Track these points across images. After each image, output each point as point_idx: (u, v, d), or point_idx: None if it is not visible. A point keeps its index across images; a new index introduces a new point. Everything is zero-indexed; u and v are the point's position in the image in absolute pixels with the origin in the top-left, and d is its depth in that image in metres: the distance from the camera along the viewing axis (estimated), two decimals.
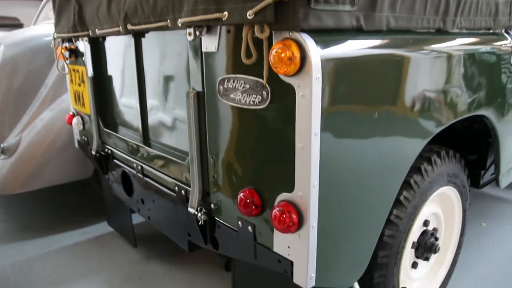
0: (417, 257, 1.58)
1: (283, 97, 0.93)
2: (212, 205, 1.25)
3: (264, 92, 0.97)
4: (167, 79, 1.45)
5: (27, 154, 2.31)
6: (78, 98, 2.07)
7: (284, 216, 0.96)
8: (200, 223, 1.25)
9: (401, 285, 1.53)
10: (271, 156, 1.00)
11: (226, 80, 1.08)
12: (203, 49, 1.13)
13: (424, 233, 1.57)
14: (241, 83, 1.03)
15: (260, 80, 0.97)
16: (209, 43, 1.11)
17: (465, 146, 1.87)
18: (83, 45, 1.89)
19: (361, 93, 1.00)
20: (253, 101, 1.00)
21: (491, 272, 1.98)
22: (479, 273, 1.98)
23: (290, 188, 0.97)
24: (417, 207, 1.41)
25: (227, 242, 1.24)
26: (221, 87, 1.09)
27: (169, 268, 2.08)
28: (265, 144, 1.01)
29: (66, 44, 2.01)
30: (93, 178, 2.54)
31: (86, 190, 3.12)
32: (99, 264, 2.14)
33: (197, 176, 1.24)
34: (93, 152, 1.94)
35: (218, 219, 1.24)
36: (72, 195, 3.08)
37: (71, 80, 2.12)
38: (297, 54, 0.87)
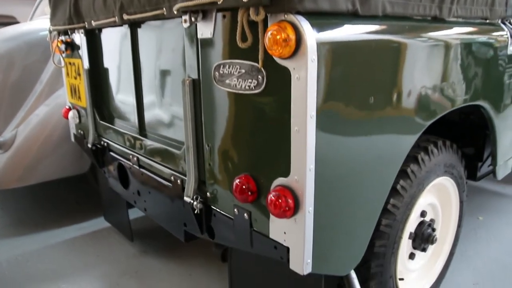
0: (414, 248, 1.58)
1: (279, 80, 0.93)
2: (208, 194, 1.24)
3: (259, 76, 0.97)
4: (163, 69, 1.44)
5: (23, 149, 2.30)
6: (74, 91, 2.06)
7: (280, 200, 0.95)
8: (196, 211, 1.25)
9: (398, 276, 1.53)
10: (267, 140, 1.00)
11: (221, 66, 1.07)
12: (199, 36, 1.13)
13: (421, 223, 1.56)
14: (237, 68, 1.02)
15: (256, 64, 0.96)
16: (205, 29, 1.10)
17: (462, 139, 1.87)
18: (79, 38, 1.88)
19: (357, 77, 0.99)
20: (249, 86, 1.00)
21: (488, 265, 1.98)
22: (476, 265, 1.98)
23: (286, 172, 0.96)
24: (414, 196, 1.41)
25: (223, 230, 1.23)
26: (216, 73, 1.09)
27: (166, 262, 2.07)
28: (261, 128, 1.00)
29: (62, 37, 2.00)
30: (89, 173, 2.53)
31: (82, 185, 3.10)
32: (95, 258, 2.13)
33: (193, 164, 1.23)
34: (89, 145, 1.93)
35: (214, 208, 1.24)
36: (69, 190, 3.07)
37: (67, 74, 2.11)
38: (292, 36, 0.86)
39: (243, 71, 1.01)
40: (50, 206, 2.81)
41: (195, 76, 1.19)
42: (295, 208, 0.95)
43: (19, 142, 2.31)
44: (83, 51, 1.86)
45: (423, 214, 1.57)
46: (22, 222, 2.59)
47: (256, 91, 0.98)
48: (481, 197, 2.76)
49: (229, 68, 1.05)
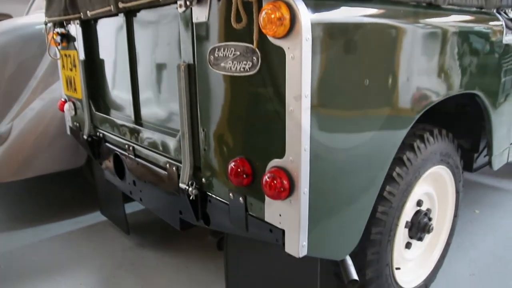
0: (410, 237, 1.58)
1: (273, 60, 0.93)
2: (203, 180, 1.24)
3: (254, 58, 0.96)
4: (159, 58, 1.44)
5: (19, 142, 2.29)
6: (69, 83, 2.05)
7: (275, 182, 0.95)
8: (191, 198, 1.24)
9: (395, 265, 1.53)
10: (262, 121, 0.99)
11: (216, 49, 1.07)
12: (194, 20, 1.12)
13: (417, 213, 1.56)
14: (232, 51, 1.02)
15: (250, 45, 0.96)
16: (200, 13, 1.10)
17: (459, 130, 1.88)
18: (75, 29, 1.87)
19: (352, 59, 0.99)
20: (244, 68, 1.00)
21: (484, 256, 1.99)
22: (472, 257, 1.98)
23: (281, 153, 0.96)
24: (410, 184, 1.41)
25: (219, 216, 1.23)
26: (211, 56, 1.09)
27: (163, 255, 2.06)
28: (256, 110, 1.00)
29: (58, 29, 2.00)
30: (85, 167, 2.52)
31: (78, 180, 3.09)
32: (91, 251, 2.12)
33: (188, 150, 1.23)
34: (85, 137, 1.92)
35: (209, 194, 1.23)
36: (64, 185, 3.06)
37: (63, 66, 2.10)
38: (287, 15, 0.86)
39: (238, 53, 1.01)
40: (46, 201, 2.80)
41: (190, 61, 1.19)
42: (290, 189, 0.95)
43: (15, 135, 2.30)
44: (79, 42, 1.86)
45: (419, 203, 1.57)
46: (17, 217, 2.58)
47: (251, 73, 0.98)
48: (477, 191, 2.77)
49: (224, 51, 1.04)
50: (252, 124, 1.02)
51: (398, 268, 1.57)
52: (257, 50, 0.95)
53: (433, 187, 1.64)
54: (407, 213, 1.52)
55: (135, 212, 2.55)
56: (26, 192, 2.97)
